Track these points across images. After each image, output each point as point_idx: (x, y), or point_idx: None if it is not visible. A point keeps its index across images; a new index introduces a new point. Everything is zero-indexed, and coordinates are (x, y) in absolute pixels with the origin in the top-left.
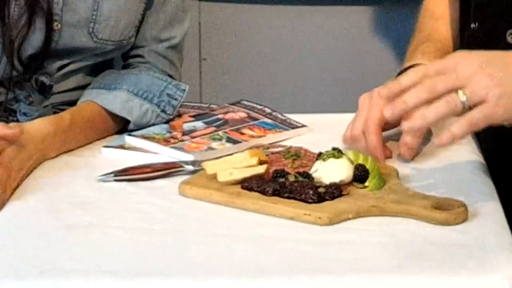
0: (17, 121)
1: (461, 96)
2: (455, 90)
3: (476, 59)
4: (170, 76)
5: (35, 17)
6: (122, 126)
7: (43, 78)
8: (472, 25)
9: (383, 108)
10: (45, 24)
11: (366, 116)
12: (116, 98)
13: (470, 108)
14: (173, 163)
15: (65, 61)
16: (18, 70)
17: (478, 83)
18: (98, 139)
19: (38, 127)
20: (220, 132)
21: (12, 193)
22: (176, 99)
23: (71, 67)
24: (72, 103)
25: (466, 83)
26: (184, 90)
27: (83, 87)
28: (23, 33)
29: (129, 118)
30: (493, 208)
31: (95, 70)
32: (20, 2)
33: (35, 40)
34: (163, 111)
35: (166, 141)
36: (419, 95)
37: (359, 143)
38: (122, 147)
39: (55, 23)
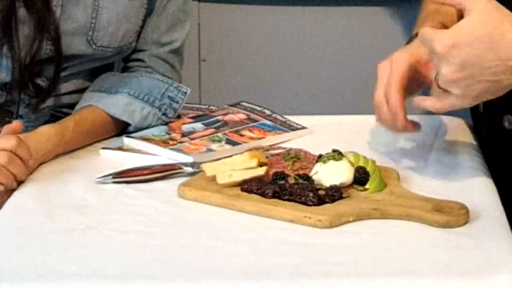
0: None
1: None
2: None
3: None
4: (171, 80)
5: (43, 36)
6: (122, 128)
7: (40, 82)
8: None
9: (405, 67)
10: (54, 45)
11: (388, 77)
12: (117, 102)
13: None
14: (172, 165)
15: (64, 65)
16: (18, 75)
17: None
18: (98, 142)
19: (41, 139)
20: (219, 134)
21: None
22: (177, 102)
23: (70, 70)
24: (71, 106)
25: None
26: (186, 93)
27: (82, 90)
28: (33, 51)
29: (130, 122)
30: (494, 210)
31: (95, 74)
32: (26, 21)
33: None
34: (164, 114)
35: (165, 143)
36: None
37: (381, 109)
38: (120, 148)
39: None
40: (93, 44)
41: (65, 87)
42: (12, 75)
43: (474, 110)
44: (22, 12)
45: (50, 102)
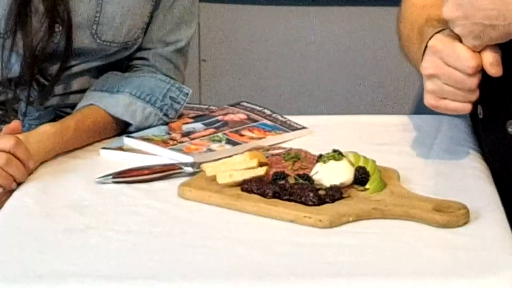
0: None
1: None
2: None
3: None
4: (174, 80)
5: (54, 26)
6: (123, 128)
7: (46, 78)
8: None
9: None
10: (65, 35)
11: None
12: (119, 101)
13: None
14: (172, 164)
15: (70, 63)
16: (28, 67)
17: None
18: (98, 141)
19: (42, 138)
20: (219, 134)
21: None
22: (178, 103)
23: (76, 69)
24: (75, 105)
25: None
26: (187, 93)
27: (87, 90)
28: (43, 42)
29: (131, 122)
30: (494, 210)
31: (100, 73)
32: (39, 12)
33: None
34: (165, 114)
35: (165, 143)
36: None
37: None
38: (120, 148)
39: (56, 25)
40: (97, 38)
41: (70, 86)
42: (22, 68)
43: (473, 114)
44: (34, 1)
45: (54, 101)
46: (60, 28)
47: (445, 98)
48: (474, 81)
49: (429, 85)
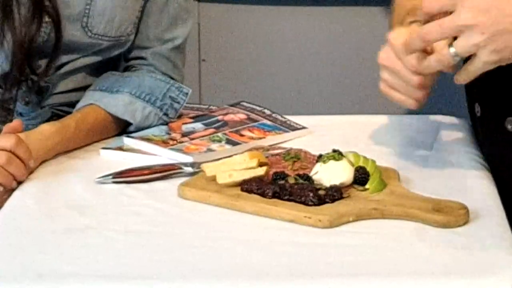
0: None
1: (452, 50)
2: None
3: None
4: (173, 79)
5: (42, 16)
6: (123, 128)
7: (37, 76)
8: None
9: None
10: (54, 26)
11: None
12: (119, 101)
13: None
14: (172, 164)
15: (63, 60)
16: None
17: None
18: (98, 141)
19: (42, 137)
20: (219, 134)
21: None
22: (178, 102)
23: (69, 66)
24: (72, 104)
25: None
26: (187, 93)
27: (83, 88)
28: (32, 34)
29: (131, 121)
30: (494, 210)
31: (96, 71)
32: (25, 3)
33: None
34: (165, 114)
35: (165, 143)
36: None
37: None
38: (120, 148)
39: (46, 16)
40: (88, 31)
41: (65, 85)
42: (12, 61)
43: (471, 113)
44: None
45: (50, 100)
46: (49, 19)
47: (395, 89)
48: (417, 79)
49: (382, 74)
